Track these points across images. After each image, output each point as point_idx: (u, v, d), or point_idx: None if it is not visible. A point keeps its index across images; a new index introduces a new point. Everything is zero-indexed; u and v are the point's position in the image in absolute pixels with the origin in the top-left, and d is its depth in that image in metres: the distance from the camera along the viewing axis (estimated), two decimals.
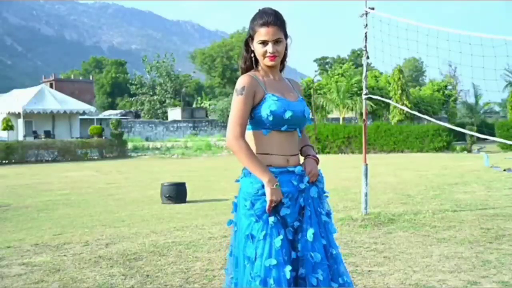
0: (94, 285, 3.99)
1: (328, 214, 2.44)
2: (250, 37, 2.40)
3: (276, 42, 2.34)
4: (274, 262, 2.19)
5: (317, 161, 2.48)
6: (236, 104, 2.32)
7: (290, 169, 2.36)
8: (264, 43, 2.34)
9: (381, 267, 4.29)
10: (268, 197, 2.25)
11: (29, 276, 4.27)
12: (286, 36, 2.40)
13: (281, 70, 2.51)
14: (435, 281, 3.89)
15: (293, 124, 2.37)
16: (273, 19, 2.32)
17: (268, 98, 2.33)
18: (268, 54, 2.34)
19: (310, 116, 2.49)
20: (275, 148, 2.35)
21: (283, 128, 2.35)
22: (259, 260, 2.22)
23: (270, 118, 2.30)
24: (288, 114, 2.32)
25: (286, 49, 2.43)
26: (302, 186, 2.36)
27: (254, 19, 2.38)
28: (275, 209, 2.29)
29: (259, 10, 2.41)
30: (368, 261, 4.50)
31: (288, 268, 2.21)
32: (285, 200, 2.30)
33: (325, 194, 2.47)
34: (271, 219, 2.27)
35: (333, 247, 2.38)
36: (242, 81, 2.34)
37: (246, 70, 2.47)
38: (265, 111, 2.31)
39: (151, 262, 4.64)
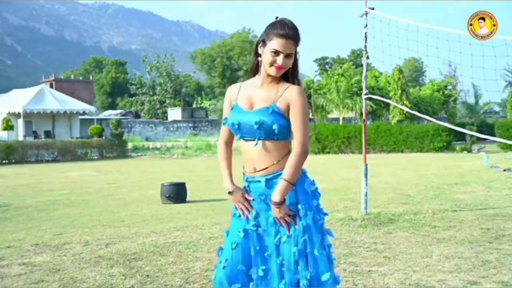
0: (94, 285, 3.99)
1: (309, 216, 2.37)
2: (262, 41, 2.38)
3: (288, 56, 2.34)
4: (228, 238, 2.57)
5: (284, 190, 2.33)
6: None
7: (256, 178, 2.44)
8: (276, 53, 2.32)
9: (381, 267, 4.29)
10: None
11: (29, 276, 4.27)
12: (296, 51, 2.39)
13: (296, 82, 2.43)
14: (435, 281, 3.89)
15: (244, 133, 2.41)
16: (293, 33, 2.33)
17: (232, 108, 2.49)
18: (276, 64, 2.33)
19: (275, 127, 2.31)
20: (244, 156, 2.49)
21: (238, 137, 2.47)
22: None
23: (226, 126, 2.51)
24: (230, 122, 2.44)
25: (296, 61, 2.41)
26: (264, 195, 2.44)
27: (273, 27, 2.34)
28: (249, 210, 2.48)
29: (279, 19, 2.37)
30: (368, 261, 4.50)
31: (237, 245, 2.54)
32: (253, 195, 2.47)
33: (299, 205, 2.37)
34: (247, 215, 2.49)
35: (295, 245, 2.34)
36: None
37: (252, 73, 2.53)
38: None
39: (151, 262, 4.65)
